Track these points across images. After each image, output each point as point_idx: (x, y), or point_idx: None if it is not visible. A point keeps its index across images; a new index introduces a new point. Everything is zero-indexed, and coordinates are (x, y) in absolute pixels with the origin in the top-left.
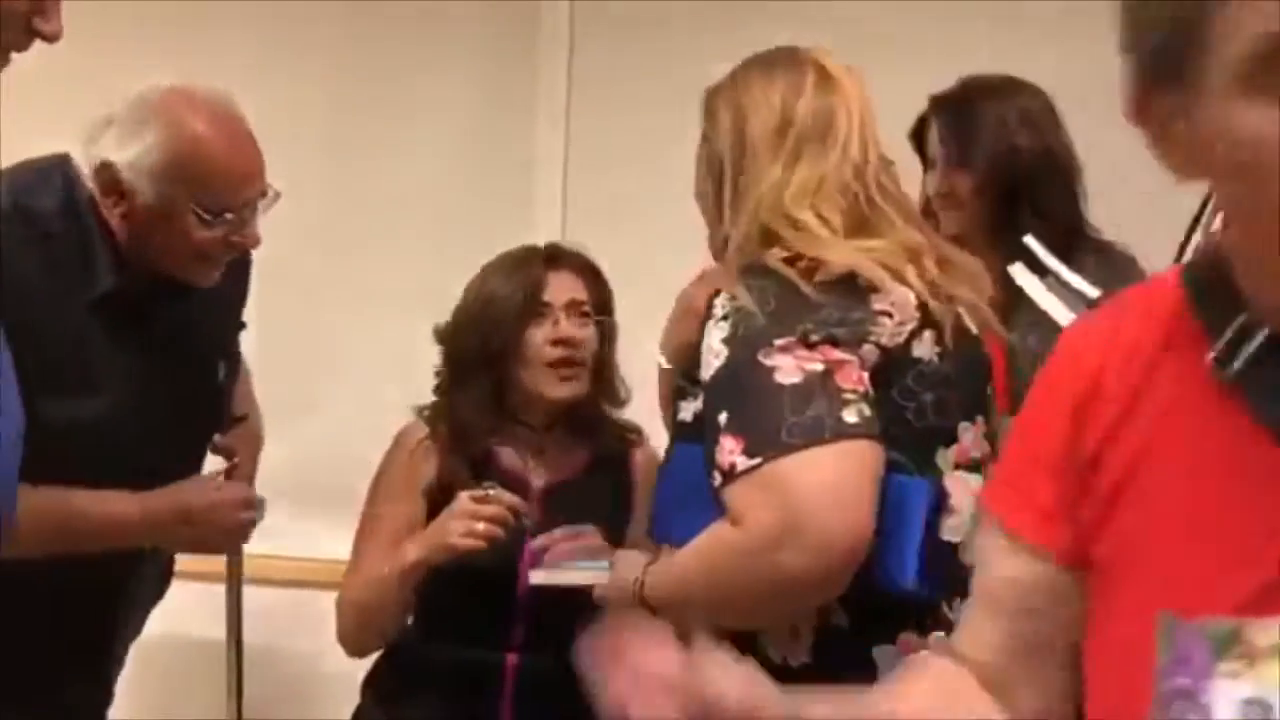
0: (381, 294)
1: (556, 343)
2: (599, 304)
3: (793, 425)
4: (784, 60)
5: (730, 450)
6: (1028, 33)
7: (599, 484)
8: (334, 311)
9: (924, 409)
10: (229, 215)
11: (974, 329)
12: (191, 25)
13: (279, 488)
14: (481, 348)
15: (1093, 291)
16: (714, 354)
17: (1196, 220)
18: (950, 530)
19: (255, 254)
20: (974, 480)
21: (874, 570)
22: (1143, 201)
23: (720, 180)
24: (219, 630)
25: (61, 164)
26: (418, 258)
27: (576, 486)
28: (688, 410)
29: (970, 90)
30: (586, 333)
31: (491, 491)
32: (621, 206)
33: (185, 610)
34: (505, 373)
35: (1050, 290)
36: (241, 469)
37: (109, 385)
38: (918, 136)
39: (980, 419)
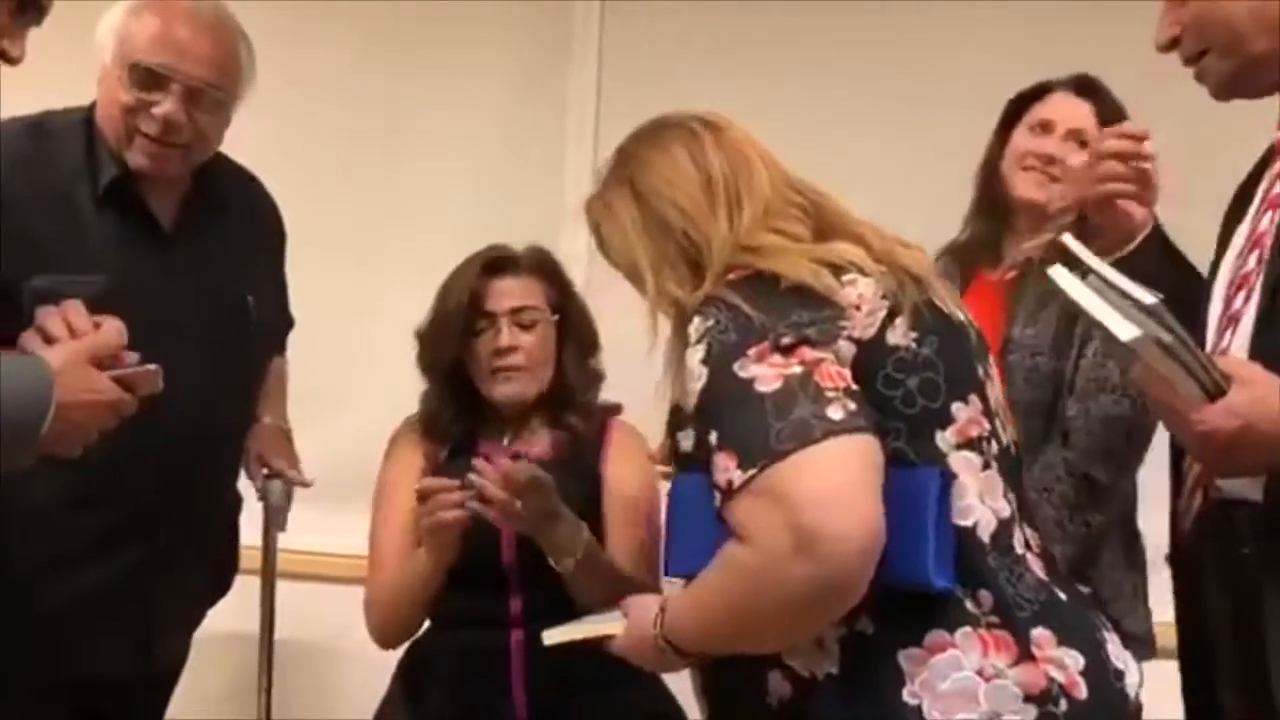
0: (413, 288)
1: (496, 352)
2: (554, 303)
3: (780, 430)
4: (667, 128)
5: (725, 468)
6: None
7: (567, 462)
8: (365, 307)
9: (911, 395)
10: (143, 72)
11: (945, 308)
12: None
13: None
14: (437, 361)
15: (1149, 297)
16: (695, 378)
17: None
18: (961, 514)
19: (291, 245)
20: (976, 459)
21: (891, 567)
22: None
23: (662, 259)
24: (250, 623)
25: None
26: (449, 253)
27: (545, 466)
28: (685, 442)
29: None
30: (528, 338)
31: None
32: None
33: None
34: (466, 378)
35: (1091, 288)
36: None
37: (107, 267)
38: (1028, 99)
39: (974, 396)
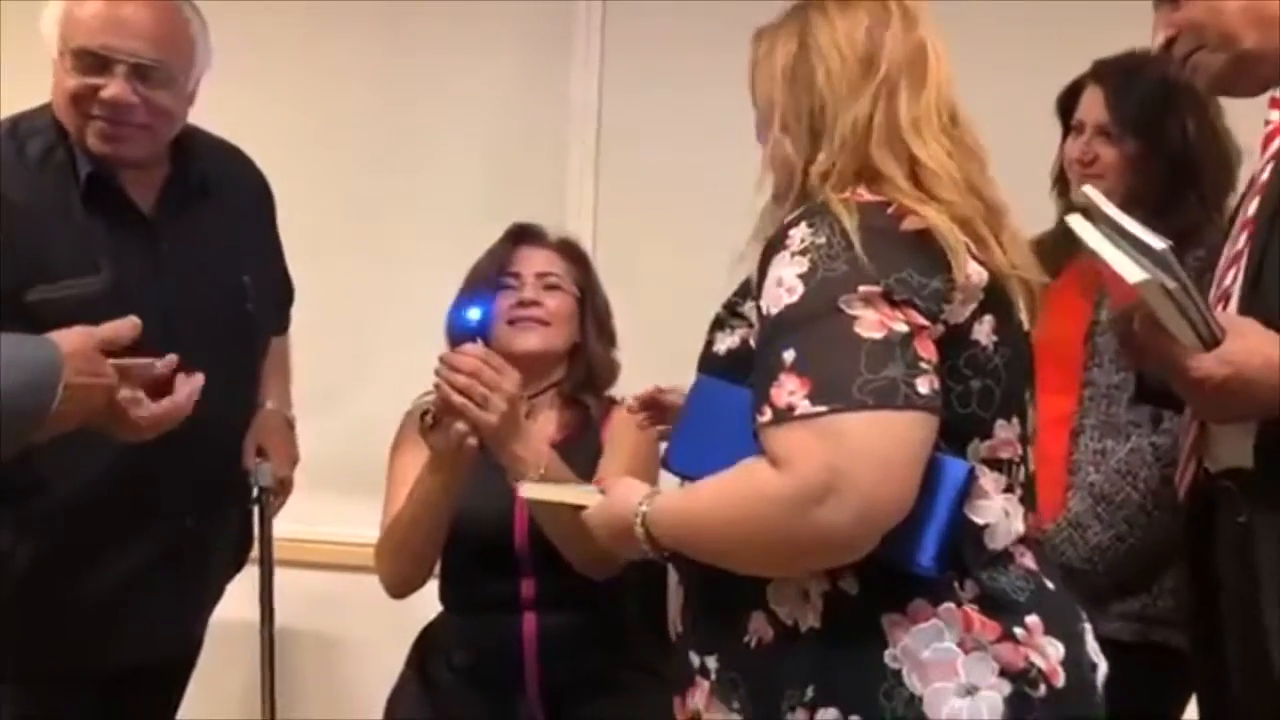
0: (417, 281)
1: (519, 303)
2: (578, 283)
3: (866, 383)
4: None
5: (791, 391)
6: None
7: (574, 448)
8: (371, 298)
9: (969, 395)
10: (87, 55)
11: (1025, 323)
12: (230, 6)
13: (314, 472)
14: None
15: (1159, 243)
16: (785, 288)
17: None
18: (979, 511)
19: (294, 236)
20: (998, 479)
21: (891, 545)
22: None
23: (791, 116)
24: (251, 611)
25: None
26: (453, 246)
27: (555, 449)
28: (723, 343)
29: (1139, 60)
30: (551, 297)
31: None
32: (653, 185)
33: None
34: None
35: (1108, 240)
36: (278, 456)
37: (110, 264)
38: (1066, 101)
39: (1016, 419)
